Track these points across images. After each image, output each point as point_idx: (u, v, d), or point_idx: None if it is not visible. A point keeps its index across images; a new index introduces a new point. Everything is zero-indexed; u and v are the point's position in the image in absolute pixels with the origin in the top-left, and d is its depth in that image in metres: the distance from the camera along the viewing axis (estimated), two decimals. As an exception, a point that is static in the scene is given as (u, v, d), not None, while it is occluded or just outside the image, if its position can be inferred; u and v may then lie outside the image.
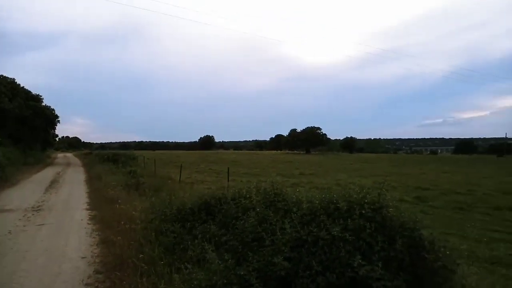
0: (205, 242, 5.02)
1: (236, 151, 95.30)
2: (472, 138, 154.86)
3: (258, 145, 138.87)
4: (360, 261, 3.67)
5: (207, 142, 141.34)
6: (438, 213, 12.89)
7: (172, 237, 5.75)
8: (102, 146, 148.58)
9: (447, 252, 3.82)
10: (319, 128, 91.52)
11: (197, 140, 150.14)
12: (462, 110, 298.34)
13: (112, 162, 27.14)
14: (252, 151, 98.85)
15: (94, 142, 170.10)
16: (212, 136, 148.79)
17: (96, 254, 6.63)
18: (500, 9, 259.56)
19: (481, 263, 6.83)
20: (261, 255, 4.29)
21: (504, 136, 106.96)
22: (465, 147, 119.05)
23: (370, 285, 3.57)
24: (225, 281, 3.99)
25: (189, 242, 5.35)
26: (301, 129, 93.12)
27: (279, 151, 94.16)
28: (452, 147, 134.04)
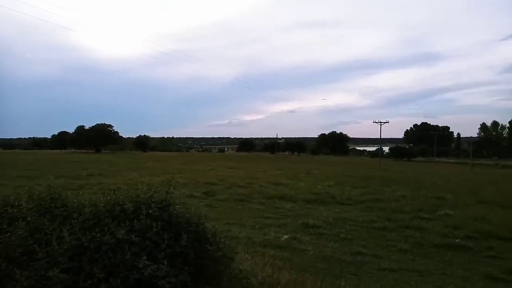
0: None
1: (7, 151, 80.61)
2: (252, 137, 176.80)
3: (37, 143, 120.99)
4: (145, 261, 3.61)
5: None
6: (224, 205, 14.11)
7: None
8: None
9: (227, 242, 4.16)
10: (110, 126, 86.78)
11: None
12: (245, 113, 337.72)
13: None
14: (29, 150, 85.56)
15: None
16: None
17: None
18: (276, 27, 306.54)
19: (256, 247, 7.82)
20: (32, 270, 3.70)
21: (275, 136, 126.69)
22: (247, 145, 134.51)
23: (155, 284, 3.55)
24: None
25: None
26: (90, 126, 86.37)
27: (63, 150, 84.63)
28: (236, 146, 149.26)
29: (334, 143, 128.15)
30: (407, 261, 7.53)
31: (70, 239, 3.96)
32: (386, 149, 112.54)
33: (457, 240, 9.21)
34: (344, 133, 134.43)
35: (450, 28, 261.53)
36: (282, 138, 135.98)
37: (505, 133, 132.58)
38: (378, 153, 76.77)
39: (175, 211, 4.36)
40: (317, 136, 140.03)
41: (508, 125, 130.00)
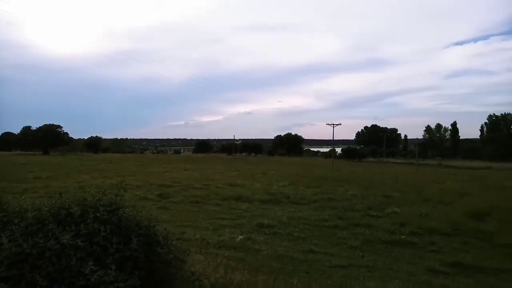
0: None
1: None
2: (209, 139, 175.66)
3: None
4: (92, 267, 3.50)
5: None
6: (178, 207, 13.91)
7: None
8: None
9: (178, 245, 4.12)
10: (59, 126, 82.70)
11: None
12: (202, 114, 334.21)
13: None
14: (-32, 153, 79.67)
15: None
16: None
17: None
18: (232, 29, 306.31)
19: (210, 248, 7.79)
20: (-33, 281, 3.47)
21: (232, 137, 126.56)
22: (203, 146, 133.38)
23: (103, 289, 3.45)
24: None
25: None
26: (37, 127, 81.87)
27: (8, 152, 79.58)
28: (193, 147, 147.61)
29: (290, 145, 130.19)
30: (356, 257, 7.82)
31: (9, 246, 3.76)
32: (338, 150, 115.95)
33: (403, 236, 9.67)
34: (299, 134, 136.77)
35: (397, 35, 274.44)
36: (239, 139, 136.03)
37: (447, 135, 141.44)
38: (331, 154, 78.99)
39: (125, 214, 4.27)
40: (274, 138, 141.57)
41: (450, 127, 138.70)
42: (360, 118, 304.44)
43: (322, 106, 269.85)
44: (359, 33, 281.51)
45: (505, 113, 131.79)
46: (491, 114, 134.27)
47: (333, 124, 69.66)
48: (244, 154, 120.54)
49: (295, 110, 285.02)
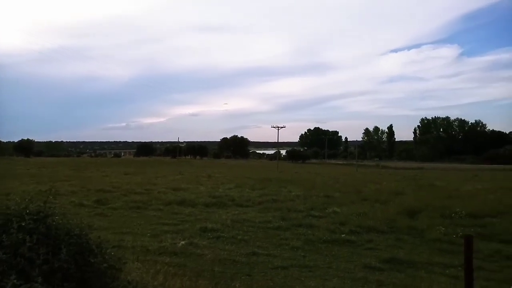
0: None
1: None
2: (151, 141, 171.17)
3: None
4: (15, 281, 3.22)
5: None
6: (117, 214, 13.35)
7: None
8: None
9: (112, 253, 3.93)
10: (-15, 128, 76.45)
11: None
12: (144, 116, 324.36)
13: None
14: None
15: None
16: None
17: None
18: (177, 29, 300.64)
19: (151, 255, 7.55)
20: None
21: (177, 140, 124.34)
22: (146, 149, 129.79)
23: (28, 305, 3.19)
24: None
25: None
26: (-41, 129, 74.87)
27: None
28: (134, 150, 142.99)
29: (236, 147, 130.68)
30: (298, 257, 7.97)
31: None
32: (283, 152, 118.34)
33: (342, 235, 10.01)
34: (245, 137, 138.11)
35: (338, 41, 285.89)
36: (184, 142, 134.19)
37: (384, 137, 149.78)
38: (276, 156, 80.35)
39: (54, 223, 3.99)
40: (219, 140, 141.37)
41: (386, 130, 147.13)
42: (304, 121, 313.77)
43: (267, 109, 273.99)
44: (303, 37, 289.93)
45: (435, 116, 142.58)
46: (423, 117, 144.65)
47: (278, 127, 71.08)
48: (189, 156, 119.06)
49: (241, 112, 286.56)
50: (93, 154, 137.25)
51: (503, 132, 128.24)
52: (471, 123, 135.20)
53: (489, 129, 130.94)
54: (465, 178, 37.89)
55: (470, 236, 3.95)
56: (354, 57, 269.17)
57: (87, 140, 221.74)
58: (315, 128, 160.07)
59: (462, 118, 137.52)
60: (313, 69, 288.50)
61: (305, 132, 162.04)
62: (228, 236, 9.71)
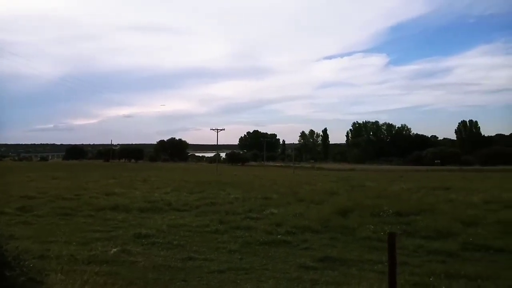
0: None
1: None
2: (82, 144, 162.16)
3: None
4: None
5: None
6: (43, 221, 12.44)
7: None
8: None
9: (31, 265, 3.62)
10: None
11: None
12: (74, 117, 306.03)
13: None
14: None
15: None
16: None
17: None
18: (111, 27, 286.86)
19: (79, 265, 7.09)
20: None
21: (110, 142, 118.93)
22: (76, 152, 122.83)
23: None
24: None
25: None
26: None
27: None
28: (63, 153, 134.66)
29: (174, 150, 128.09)
30: (235, 260, 7.94)
31: None
32: (223, 154, 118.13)
33: (279, 236, 10.16)
34: (183, 139, 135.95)
35: (277, 46, 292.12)
36: (118, 144, 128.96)
37: (319, 140, 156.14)
38: (216, 159, 79.98)
39: (-37, 234, 3.60)
40: (156, 143, 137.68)
41: (321, 133, 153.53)
42: (243, 124, 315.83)
43: (207, 111, 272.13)
44: (243, 41, 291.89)
45: (366, 121, 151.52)
46: (355, 122, 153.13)
47: (217, 129, 70.94)
48: (123, 160, 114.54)
49: (179, 114, 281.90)
50: (16, 158, 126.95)
51: (425, 135, 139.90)
52: (398, 127, 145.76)
53: (413, 133, 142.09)
54: (392, 178, 40.51)
55: (394, 234, 4.18)
56: (292, 62, 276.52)
57: (10, 143, 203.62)
58: (254, 131, 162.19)
59: (390, 123, 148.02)
60: (253, 73, 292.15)
61: (244, 134, 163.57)
62: (164, 241, 9.43)
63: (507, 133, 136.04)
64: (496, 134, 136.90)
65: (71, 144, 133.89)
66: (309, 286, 6.39)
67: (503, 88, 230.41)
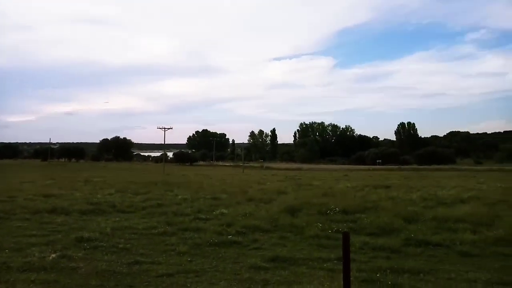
0: None
1: None
2: (17, 142, 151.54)
3: None
4: None
5: None
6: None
7: None
8: None
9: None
10: None
11: None
12: (8, 114, 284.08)
13: None
14: None
15: None
16: None
17: None
18: (50, 17, 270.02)
19: (12, 273, 6.52)
20: None
21: (49, 141, 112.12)
22: (9, 151, 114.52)
23: None
24: None
25: None
26: None
27: None
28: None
29: (118, 149, 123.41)
30: (184, 263, 7.70)
31: None
32: (170, 154, 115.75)
33: (229, 237, 10.03)
34: (128, 138, 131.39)
35: (227, 45, 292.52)
36: (57, 143, 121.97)
37: (268, 140, 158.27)
38: (163, 158, 78.08)
39: None
40: (99, 141, 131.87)
41: (270, 133, 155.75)
42: (192, 123, 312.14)
43: (153, 109, 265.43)
44: (193, 39, 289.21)
45: (312, 122, 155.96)
46: (302, 122, 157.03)
47: (165, 128, 69.32)
48: (63, 159, 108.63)
49: (124, 111, 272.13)
50: None
51: (368, 136, 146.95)
52: (342, 128, 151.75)
53: (357, 134, 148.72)
54: (337, 177, 41.96)
55: (347, 233, 4.23)
56: (242, 62, 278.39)
57: None
58: (203, 130, 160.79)
59: (335, 124, 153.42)
60: (202, 71, 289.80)
61: (193, 134, 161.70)
62: (108, 245, 8.94)
63: (441, 134, 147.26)
64: (431, 136, 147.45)
65: (4, 143, 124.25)
66: (260, 286, 6.33)
67: (437, 92, 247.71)
